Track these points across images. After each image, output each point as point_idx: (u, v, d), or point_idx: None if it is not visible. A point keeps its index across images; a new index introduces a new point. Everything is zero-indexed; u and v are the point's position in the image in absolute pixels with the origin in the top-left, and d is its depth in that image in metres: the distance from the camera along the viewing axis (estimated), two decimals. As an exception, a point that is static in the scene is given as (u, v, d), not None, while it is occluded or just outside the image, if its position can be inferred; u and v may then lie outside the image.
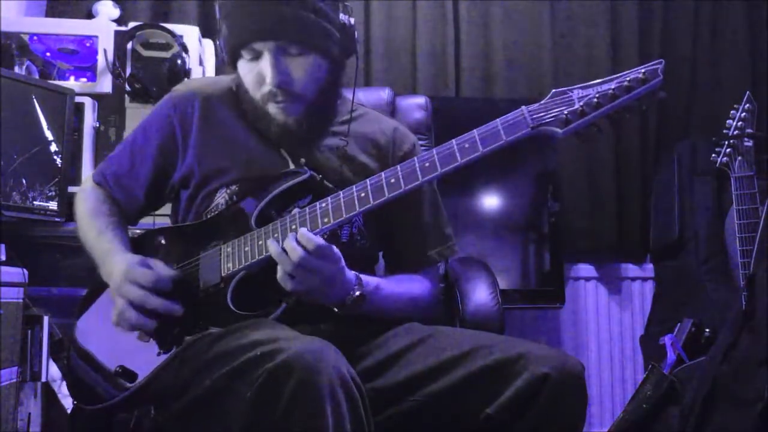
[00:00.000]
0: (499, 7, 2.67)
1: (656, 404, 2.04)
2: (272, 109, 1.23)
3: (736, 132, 1.98)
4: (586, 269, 2.71)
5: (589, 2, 2.72)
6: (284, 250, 1.06)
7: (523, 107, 1.05)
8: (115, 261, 1.20)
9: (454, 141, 1.07)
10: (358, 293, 1.13)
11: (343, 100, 1.36)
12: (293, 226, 1.10)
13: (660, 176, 2.58)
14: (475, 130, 1.06)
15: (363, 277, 1.17)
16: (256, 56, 1.21)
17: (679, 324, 2.17)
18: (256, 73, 1.21)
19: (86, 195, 1.38)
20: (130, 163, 1.35)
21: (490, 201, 2.52)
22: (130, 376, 1.13)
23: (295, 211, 1.13)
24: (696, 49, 2.77)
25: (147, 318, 1.13)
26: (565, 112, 1.02)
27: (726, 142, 1.99)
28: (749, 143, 1.99)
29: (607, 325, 2.69)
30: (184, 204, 1.31)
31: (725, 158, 2.00)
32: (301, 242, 1.06)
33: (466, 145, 1.05)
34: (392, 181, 1.08)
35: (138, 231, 1.40)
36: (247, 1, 1.19)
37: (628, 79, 1.01)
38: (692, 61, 2.76)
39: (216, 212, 1.25)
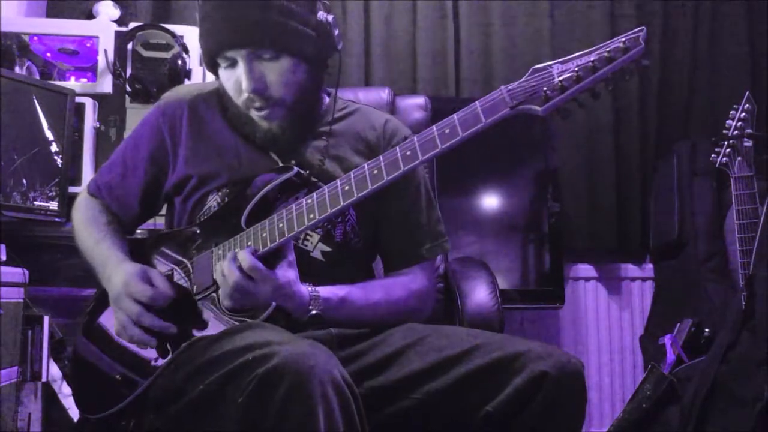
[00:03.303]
0: (499, 7, 2.67)
1: (656, 404, 2.04)
2: (254, 115, 1.23)
3: (735, 132, 1.98)
4: (586, 269, 2.71)
5: (589, 2, 2.72)
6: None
7: (502, 87, 1.02)
8: (114, 269, 1.20)
9: (434, 127, 1.04)
10: (313, 312, 1.13)
11: (334, 96, 1.35)
12: (280, 225, 1.10)
13: (660, 176, 2.58)
14: (454, 114, 1.03)
15: (325, 291, 1.16)
16: (232, 64, 1.21)
17: (679, 324, 2.17)
18: (234, 80, 1.22)
19: (82, 206, 1.38)
20: (123, 173, 1.35)
21: (490, 201, 2.52)
22: (131, 383, 1.14)
23: (282, 210, 1.12)
24: (696, 49, 2.77)
25: (148, 335, 1.14)
26: (545, 89, 0.98)
27: (726, 142, 1.99)
28: (749, 143, 1.99)
29: (607, 325, 2.69)
30: (178, 209, 1.32)
31: (725, 158, 2.00)
32: (239, 262, 1.06)
33: (447, 131, 1.03)
34: (375, 172, 1.06)
35: (139, 233, 1.41)
36: (215, 10, 1.19)
37: (608, 49, 0.97)
38: (692, 61, 2.76)
39: (208, 215, 1.25)
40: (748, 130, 1.98)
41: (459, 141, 1.02)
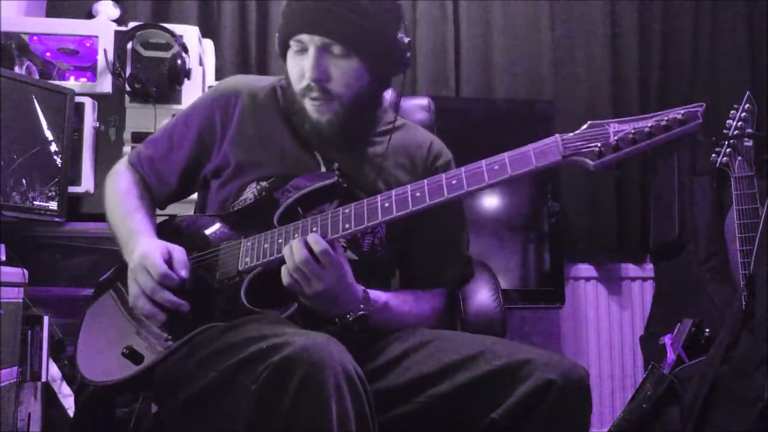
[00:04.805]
0: (499, 7, 2.67)
1: (656, 404, 2.04)
2: (308, 105, 1.24)
3: (736, 132, 1.98)
4: (586, 269, 2.71)
5: (589, 2, 2.72)
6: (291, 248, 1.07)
7: (557, 135, 1.04)
8: (138, 242, 1.20)
9: (483, 162, 1.07)
10: (361, 313, 1.13)
11: (385, 109, 1.37)
12: (314, 228, 1.11)
13: (660, 176, 2.58)
14: (505, 154, 1.06)
15: (372, 293, 1.17)
16: (303, 49, 1.22)
17: (679, 324, 2.17)
18: (300, 67, 1.23)
19: (119, 175, 1.38)
20: (167, 148, 1.36)
21: (490, 201, 2.52)
22: (137, 357, 1.12)
23: (317, 214, 1.13)
24: (696, 49, 2.77)
25: (158, 309, 1.13)
26: (599, 145, 1.01)
27: (726, 142, 1.99)
28: (749, 143, 1.99)
29: (607, 325, 2.70)
30: (213, 194, 1.32)
31: (725, 158, 2.00)
32: (309, 244, 1.07)
33: (496, 167, 1.05)
34: (417, 194, 1.08)
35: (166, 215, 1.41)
36: None
37: (666, 118, 1.00)
38: (692, 61, 2.76)
39: (243, 206, 1.26)
40: (749, 130, 1.98)
41: (506, 179, 1.05)
